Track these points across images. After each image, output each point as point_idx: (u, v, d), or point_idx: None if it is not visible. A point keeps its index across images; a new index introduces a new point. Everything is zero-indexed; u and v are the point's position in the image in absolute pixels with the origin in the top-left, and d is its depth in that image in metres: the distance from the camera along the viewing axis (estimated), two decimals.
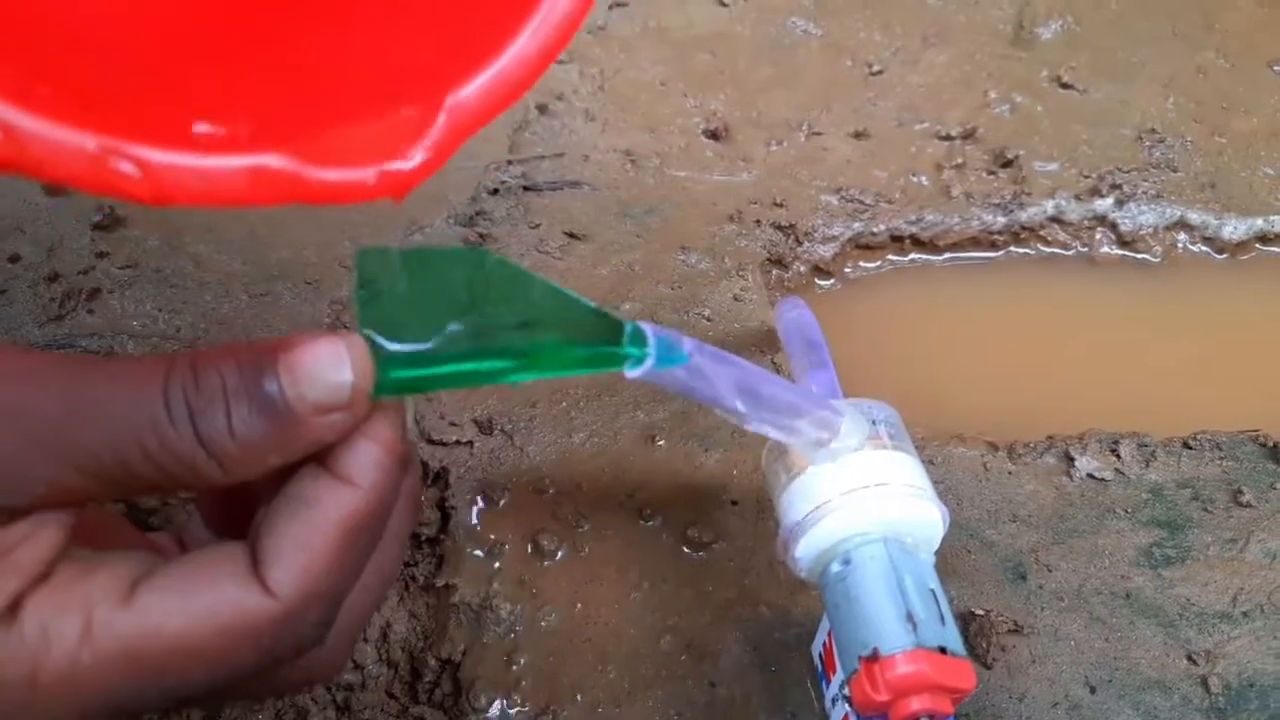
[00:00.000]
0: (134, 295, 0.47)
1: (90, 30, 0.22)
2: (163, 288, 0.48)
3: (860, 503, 0.32)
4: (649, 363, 0.26)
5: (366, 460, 0.22)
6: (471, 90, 0.24)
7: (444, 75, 0.24)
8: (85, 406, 0.20)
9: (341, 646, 0.25)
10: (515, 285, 0.25)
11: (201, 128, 0.21)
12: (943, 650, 0.30)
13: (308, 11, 0.26)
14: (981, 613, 0.41)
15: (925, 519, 0.33)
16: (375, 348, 0.22)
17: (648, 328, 0.26)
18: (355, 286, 0.23)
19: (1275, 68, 0.67)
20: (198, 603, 0.21)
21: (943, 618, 0.31)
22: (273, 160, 0.21)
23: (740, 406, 0.30)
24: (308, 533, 0.22)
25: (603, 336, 0.25)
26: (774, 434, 0.32)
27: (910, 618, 0.30)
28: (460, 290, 0.24)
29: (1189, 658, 0.40)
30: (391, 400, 0.23)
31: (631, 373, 0.26)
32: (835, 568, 0.32)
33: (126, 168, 0.19)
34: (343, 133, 0.22)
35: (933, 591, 0.32)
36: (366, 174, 0.22)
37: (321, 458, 0.22)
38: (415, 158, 0.23)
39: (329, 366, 0.21)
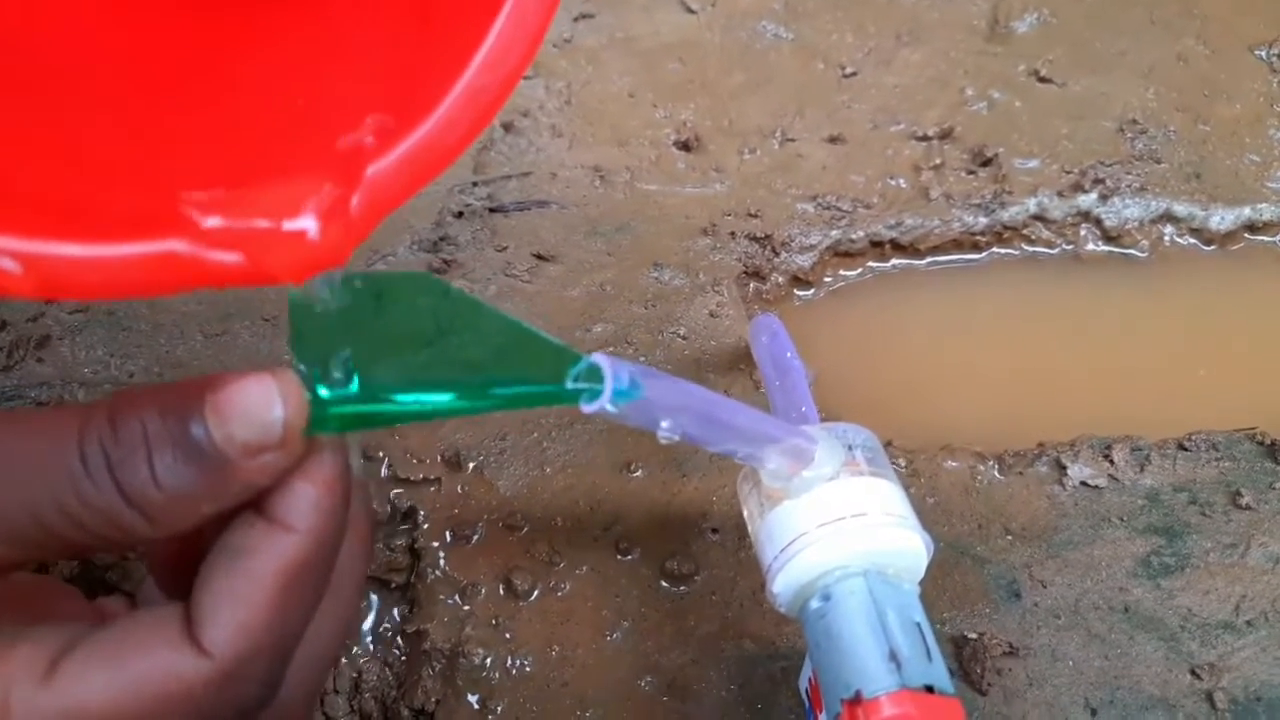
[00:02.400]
0: (84, 341, 0.46)
1: None
2: (115, 332, 0.46)
3: (838, 535, 0.30)
4: (604, 397, 0.24)
5: (303, 502, 0.21)
6: (390, 162, 0.22)
7: (360, 148, 0.22)
8: None
9: (299, 701, 0.24)
10: (463, 314, 0.23)
11: (95, 209, 0.20)
12: (929, 689, 0.28)
13: (205, 78, 0.25)
14: (974, 636, 0.39)
15: (907, 548, 0.31)
16: (310, 383, 0.20)
17: (604, 361, 0.24)
18: (290, 319, 0.21)
19: (1257, 51, 0.66)
20: (126, 673, 0.19)
21: (929, 653, 0.29)
22: (173, 245, 0.20)
23: (706, 439, 0.28)
24: (243, 585, 0.20)
25: (556, 369, 0.24)
26: (746, 463, 0.30)
27: (894, 656, 0.29)
28: (403, 320, 0.22)
29: (1193, 672, 0.39)
30: (330, 437, 0.21)
31: (587, 407, 0.25)
32: (815, 604, 0.31)
33: (7, 264, 0.18)
34: (247, 209, 0.20)
35: (918, 625, 0.30)
36: (274, 257, 0.21)
37: (257, 503, 0.21)
38: (326, 237, 0.21)
39: (259, 405, 0.20)
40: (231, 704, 0.20)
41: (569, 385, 0.23)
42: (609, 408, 0.25)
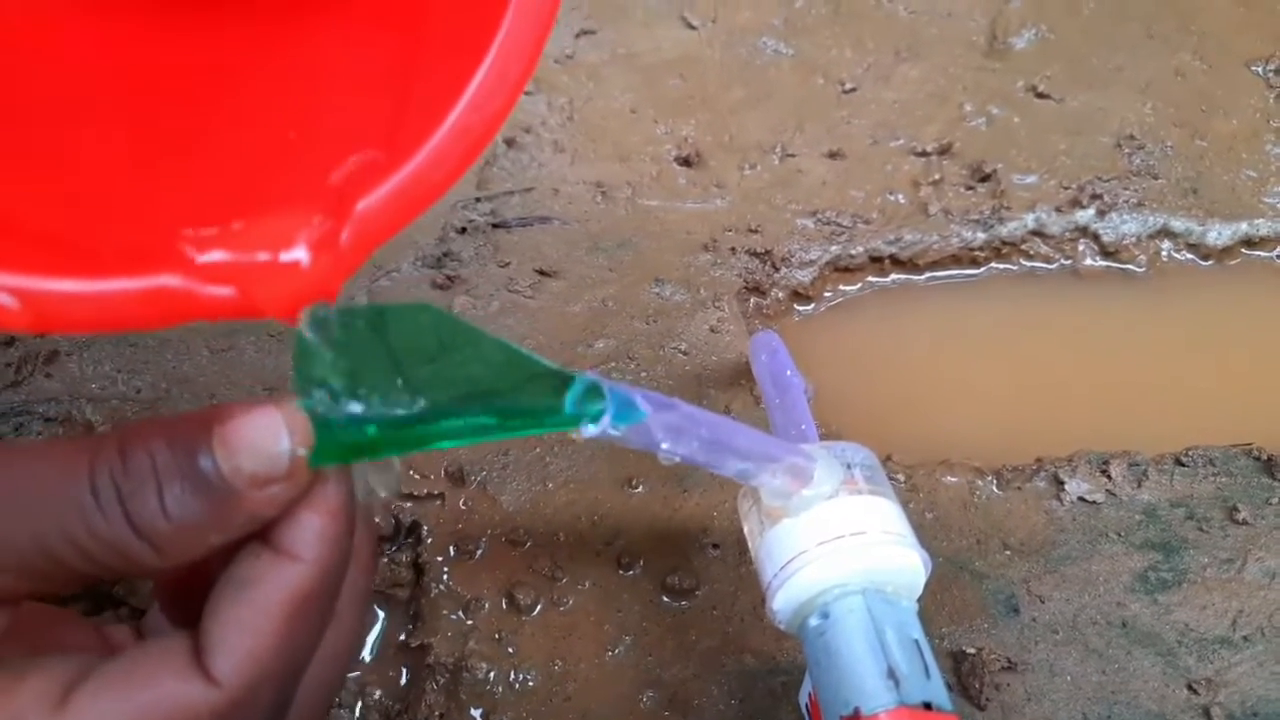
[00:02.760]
0: (92, 356, 0.46)
1: None
2: (122, 347, 0.47)
3: (837, 553, 0.31)
4: (605, 421, 0.25)
5: (309, 532, 0.21)
6: (379, 197, 0.22)
7: (349, 182, 0.23)
8: (5, 500, 0.19)
9: None
10: (464, 343, 0.24)
11: (89, 243, 0.20)
12: (927, 706, 0.29)
13: (197, 114, 0.25)
14: (973, 651, 0.39)
15: (905, 566, 0.31)
16: (314, 414, 0.21)
17: (604, 384, 0.24)
18: (295, 351, 0.22)
19: (1253, 67, 0.66)
20: (135, 702, 0.20)
21: (927, 670, 0.30)
22: (166, 280, 0.20)
23: (706, 460, 0.28)
24: (250, 614, 0.21)
25: (556, 395, 0.24)
26: (745, 482, 0.31)
27: (892, 674, 0.29)
28: (405, 350, 0.23)
29: (1190, 687, 0.39)
30: (335, 467, 0.22)
31: (588, 431, 0.25)
32: (814, 621, 0.31)
33: (4, 299, 0.18)
34: (238, 243, 0.21)
35: (916, 642, 0.30)
36: (265, 290, 0.21)
37: (263, 533, 0.21)
38: (316, 269, 0.22)
39: (266, 437, 0.20)
40: None
41: (570, 409, 0.24)
42: (611, 431, 0.25)
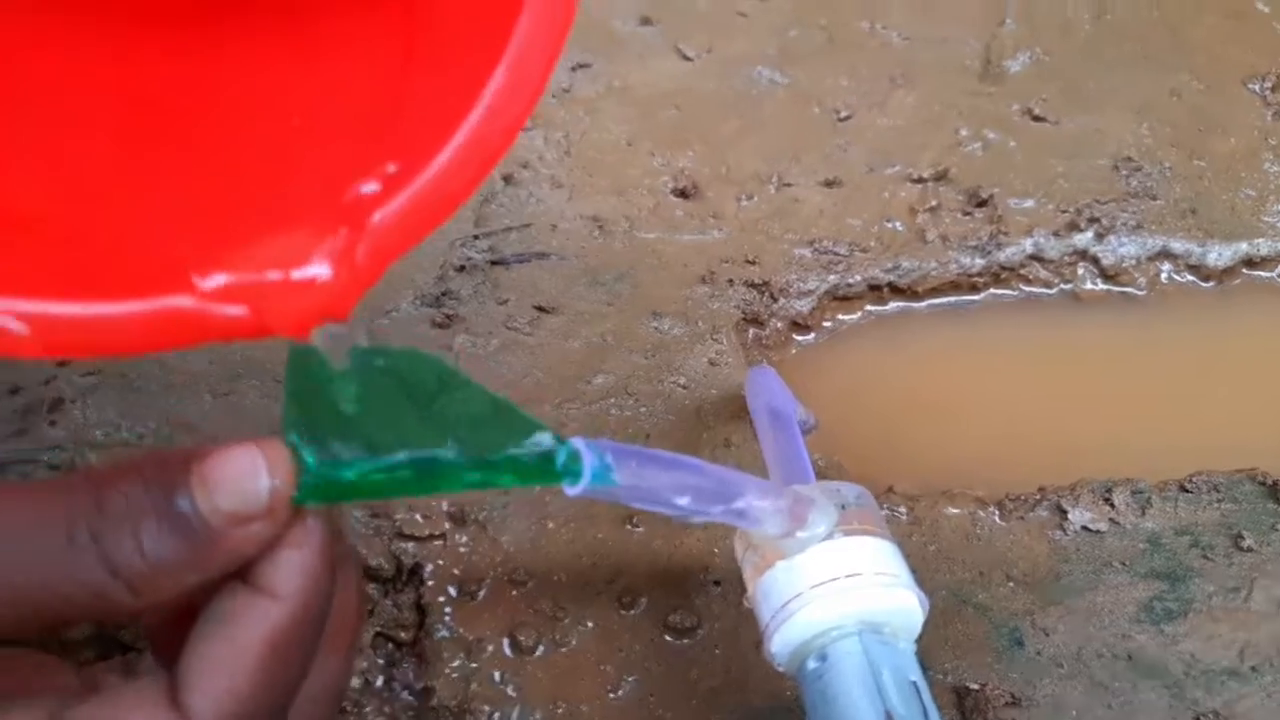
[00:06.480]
0: (96, 403, 0.47)
1: None
2: (125, 393, 0.47)
3: (832, 595, 0.31)
4: (584, 482, 0.25)
5: (288, 568, 0.21)
6: (393, 210, 0.22)
7: (363, 196, 0.23)
8: None
9: None
10: (452, 391, 0.24)
11: (99, 267, 0.21)
12: None
13: (207, 132, 0.25)
14: (977, 687, 0.39)
15: (902, 607, 0.31)
16: (298, 453, 0.21)
17: (581, 446, 0.24)
18: (286, 387, 0.22)
19: (1250, 85, 0.66)
20: None
21: (925, 712, 0.30)
22: (178, 301, 0.20)
23: (695, 509, 0.28)
24: (227, 652, 0.20)
25: (539, 452, 0.24)
26: (740, 526, 0.31)
27: (889, 717, 0.29)
28: (394, 395, 0.23)
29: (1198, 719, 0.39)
30: (315, 506, 0.22)
31: (570, 490, 0.25)
32: (811, 664, 0.31)
33: (13, 325, 0.19)
34: (251, 261, 0.21)
35: (914, 684, 0.30)
36: (280, 308, 0.21)
37: (241, 570, 0.21)
38: (333, 285, 0.22)
39: (245, 475, 0.20)
40: None
41: (558, 466, 0.24)
42: (591, 491, 0.25)
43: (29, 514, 0.19)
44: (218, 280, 0.20)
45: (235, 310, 0.20)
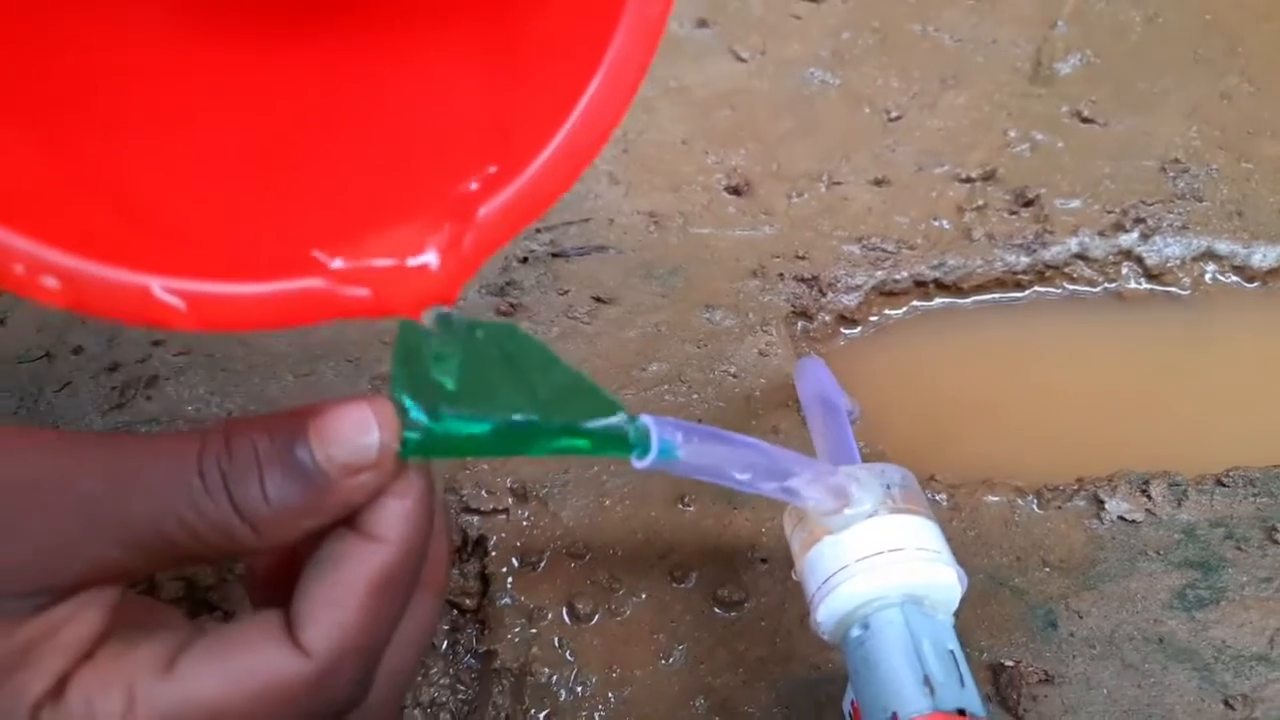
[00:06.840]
0: (188, 381, 0.50)
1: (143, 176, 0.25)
2: (214, 372, 0.51)
3: (876, 568, 0.33)
4: (651, 455, 0.27)
5: (393, 515, 0.23)
6: (497, 205, 0.25)
7: (470, 192, 0.25)
8: (124, 482, 0.21)
9: (387, 702, 0.26)
10: (540, 364, 0.26)
11: (244, 252, 0.23)
12: (961, 713, 0.30)
13: (336, 128, 0.28)
14: (1011, 664, 0.41)
15: (941, 581, 0.33)
16: (403, 411, 0.23)
17: (650, 423, 0.27)
18: (394, 352, 0.24)
19: None
20: (234, 668, 0.22)
21: (962, 679, 0.32)
22: (311, 283, 0.23)
23: (751, 484, 0.31)
24: (338, 591, 0.23)
25: (614, 426, 0.27)
26: (790, 502, 0.33)
27: (928, 681, 0.31)
28: (490, 363, 0.25)
29: (1226, 703, 0.40)
30: (417, 461, 0.24)
31: (638, 463, 0.27)
32: (855, 632, 0.33)
33: (173, 301, 0.21)
34: (373, 249, 0.24)
35: (951, 653, 0.32)
36: (397, 291, 0.24)
37: (349, 519, 0.23)
38: (443, 272, 0.24)
39: (356, 429, 0.22)
40: (327, 700, 0.23)
41: (630, 439, 0.26)
42: (658, 462, 0.28)
43: (166, 456, 0.22)
44: (345, 265, 0.23)
45: (360, 292, 0.23)
